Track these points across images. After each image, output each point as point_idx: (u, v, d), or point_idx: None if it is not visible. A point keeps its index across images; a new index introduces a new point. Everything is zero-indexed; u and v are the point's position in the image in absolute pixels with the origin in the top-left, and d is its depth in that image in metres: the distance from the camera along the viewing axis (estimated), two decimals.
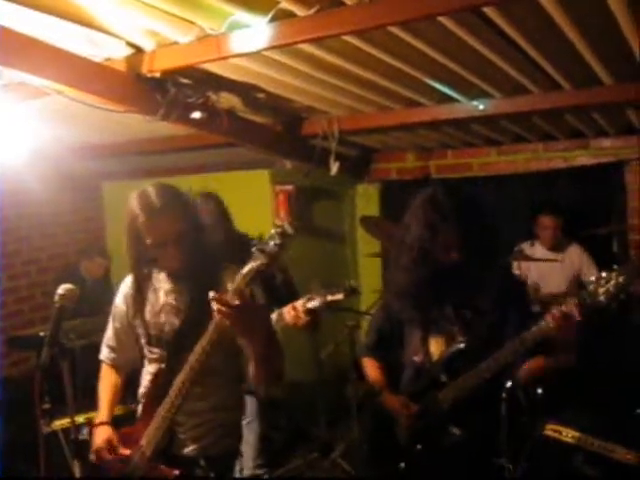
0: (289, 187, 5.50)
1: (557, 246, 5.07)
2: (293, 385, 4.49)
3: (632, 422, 3.77)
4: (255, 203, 5.33)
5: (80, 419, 3.97)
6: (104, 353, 2.71)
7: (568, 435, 3.58)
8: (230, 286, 2.00)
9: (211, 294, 1.98)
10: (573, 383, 4.25)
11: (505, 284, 2.60)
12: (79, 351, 4.45)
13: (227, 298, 1.97)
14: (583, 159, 5.32)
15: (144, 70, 3.12)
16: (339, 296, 3.73)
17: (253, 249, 1.97)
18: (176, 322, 2.39)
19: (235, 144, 4.63)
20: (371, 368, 2.88)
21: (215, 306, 1.97)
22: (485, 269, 2.50)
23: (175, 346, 2.35)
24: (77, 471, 2.61)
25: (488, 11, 2.58)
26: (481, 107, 4.04)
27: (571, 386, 4.22)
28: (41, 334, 4.15)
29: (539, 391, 3.99)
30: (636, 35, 2.80)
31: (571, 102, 3.84)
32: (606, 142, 5.22)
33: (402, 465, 2.66)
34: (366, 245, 6.07)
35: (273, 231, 1.95)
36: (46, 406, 2.98)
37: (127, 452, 2.40)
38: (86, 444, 3.98)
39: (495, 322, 2.49)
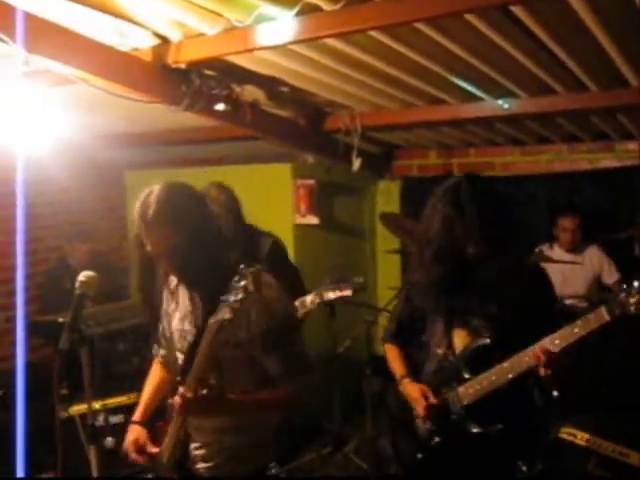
0: (310, 181, 5.50)
1: (576, 248, 5.05)
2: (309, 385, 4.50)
3: None
4: (276, 196, 5.34)
5: (97, 405, 4.01)
6: (155, 349, 2.65)
7: (583, 438, 3.57)
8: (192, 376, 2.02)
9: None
10: (590, 386, 4.24)
11: (532, 280, 2.59)
12: (98, 338, 4.48)
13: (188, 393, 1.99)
14: (607, 161, 5.27)
15: (170, 61, 3.14)
16: (347, 292, 3.76)
17: (220, 302, 1.96)
18: (195, 329, 2.29)
19: (258, 137, 4.64)
20: (392, 355, 2.87)
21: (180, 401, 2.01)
22: (510, 263, 2.50)
23: (189, 355, 2.25)
24: (92, 457, 2.63)
25: (515, 9, 2.57)
26: (506, 106, 4.02)
27: (587, 389, 4.20)
28: (60, 320, 4.22)
29: (555, 393, 3.97)
30: None
31: (597, 103, 3.81)
32: (631, 145, 5.16)
33: (419, 456, 2.65)
34: (385, 241, 6.06)
35: (235, 284, 1.93)
36: (64, 392, 3.02)
37: (154, 450, 2.37)
38: (102, 430, 4.04)
39: (522, 318, 2.48)
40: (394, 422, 2.92)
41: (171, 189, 2.17)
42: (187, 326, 2.35)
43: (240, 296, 1.91)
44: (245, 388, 2.23)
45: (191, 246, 2.12)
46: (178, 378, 2.26)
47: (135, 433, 2.48)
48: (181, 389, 2.01)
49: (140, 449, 2.41)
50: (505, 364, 2.46)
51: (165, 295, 2.50)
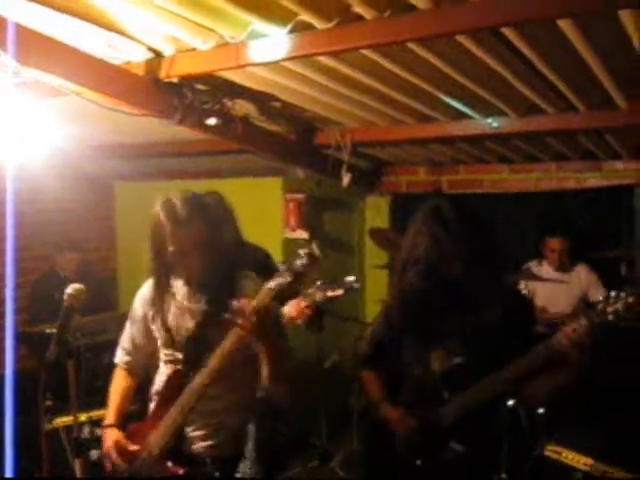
0: (300, 196, 5.51)
1: (564, 267, 5.07)
2: (295, 393, 4.50)
3: (633, 445, 3.76)
4: (266, 210, 5.35)
5: (82, 417, 3.99)
6: (119, 356, 2.76)
7: (568, 457, 3.58)
8: (254, 300, 2.06)
9: (233, 303, 2.07)
10: (576, 404, 4.25)
11: (511, 301, 2.60)
12: (84, 350, 4.46)
13: (248, 311, 2.04)
14: (595, 181, 5.33)
15: (162, 75, 3.15)
16: (339, 292, 3.77)
17: (281, 266, 2.04)
18: (191, 325, 2.44)
19: (248, 151, 4.66)
20: (370, 381, 2.87)
21: (235, 318, 2.06)
22: (490, 284, 2.51)
23: (191, 349, 2.41)
24: (78, 469, 2.63)
25: (506, 31, 2.60)
26: (495, 125, 4.06)
27: (574, 407, 4.22)
28: (47, 331, 4.21)
29: (540, 411, 3.99)
30: None
31: (585, 124, 3.85)
32: (619, 165, 5.22)
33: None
34: (373, 257, 6.08)
35: (301, 251, 2.02)
36: (48, 403, 3.02)
37: (135, 448, 2.45)
38: (87, 443, 4.02)
39: (499, 339, 2.49)
40: (373, 444, 2.92)
41: (190, 195, 2.42)
42: (184, 322, 2.47)
43: (305, 261, 2.00)
44: (242, 382, 2.40)
45: (217, 241, 2.37)
46: (179, 367, 2.43)
47: (113, 435, 2.54)
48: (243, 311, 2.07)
49: (121, 450, 2.47)
50: (485, 382, 2.48)
51: (143, 302, 2.62)
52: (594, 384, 4.32)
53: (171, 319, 2.50)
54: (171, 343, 2.50)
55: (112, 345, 4.82)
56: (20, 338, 4.76)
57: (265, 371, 2.28)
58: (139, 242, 5.94)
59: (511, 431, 2.72)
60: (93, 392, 4.61)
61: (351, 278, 3.87)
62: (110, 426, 2.59)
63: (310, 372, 4.68)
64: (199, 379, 2.28)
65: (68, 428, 3.94)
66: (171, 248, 2.33)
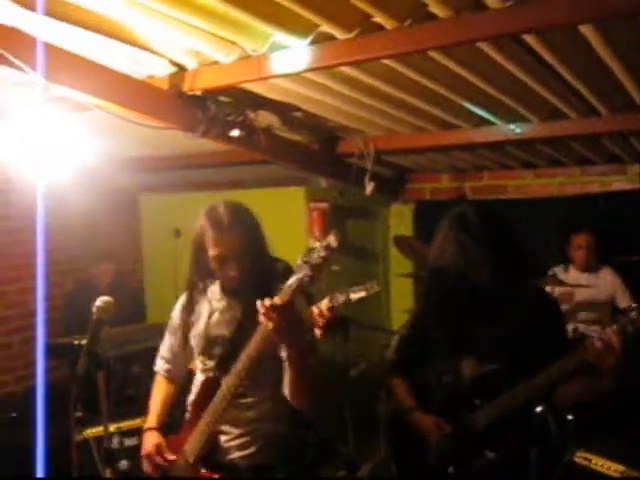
0: (324, 205, 5.53)
1: (590, 267, 5.03)
2: (323, 402, 4.51)
3: None
4: (290, 220, 5.37)
5: (111, 428, 4.03)
6: (159, 365, 2.80)
7: (598, 463, 3.54)
8: (276, 298, 2.09)
9: (258, 303, 2.08)
10: (606, 411, 4.21)
11: (540, 304, 2.59)
12: (113, 361, 4.51)
13: (271, 308, 2.06)
14: (619, 184, 5.29)
15: (186, 88, 3.19)
16: (362, 294, 3.77)
17: (299, 261, 2.05)
18: (227, 334, 2.48)
19: (272, 161, 4.69)
20: (399, 389, 2.87)
21: (261, 309, 2.07)
22: (518, 289, 2.51)
23: (225, 357, 2.44)
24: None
25: (527, 37, 2.61)
26: (517, 131, 4.05)
27: (604, 414, 4.18)
28: (75, 342, 4.26)
29: (569, 417, 3.96)
30: None
31: (608, 128, 3.84)
32: None
33: None
34: (398, 265, 6.08)
35: (317, 244, 2.02)
36: (79, 414, 3.05)
37: (173, 457, 2.49)
38: (117, 453, 4.06)
39: (530, 343, 2.48)
40: (403, 451, 2.92)
41: (233, 203, 2.51)
42: (219, 331, 2.51)
43: (322, 253, 2.01)
44: (268, 386, 2.42)
45: (252, 252, 2.42)
46: (216, 373, 2.45)
47: (154, 438, 2.59)
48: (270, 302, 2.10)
49: (160, 454, 2.52)
50: (517, 389, 2.47)
51: (181, 312, 2.66)
52: (625, 391, 4.28)
53: (207, 328, 2.54)
54: (207, 352, 2.53)
55: (140, 356, 4.91)
56: (50, 350, 4.82)
57: (288, 383, 2.30)
58: (165, 254, 6.03)
59: (540, 437, 2.71)
60: (122, 403, 4.66)
61: (373, 283, 3.88)
62: (151, 429, 2.64)
63: (337, 381, 4.68)
64: (228, 381, 2.31)
65: (98, 439, 3.98)
66: (212, 252, 2.39)
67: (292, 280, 2.06)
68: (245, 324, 2.38)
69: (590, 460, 3.57)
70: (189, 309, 2.62)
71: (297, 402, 2.35)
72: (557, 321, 2.66)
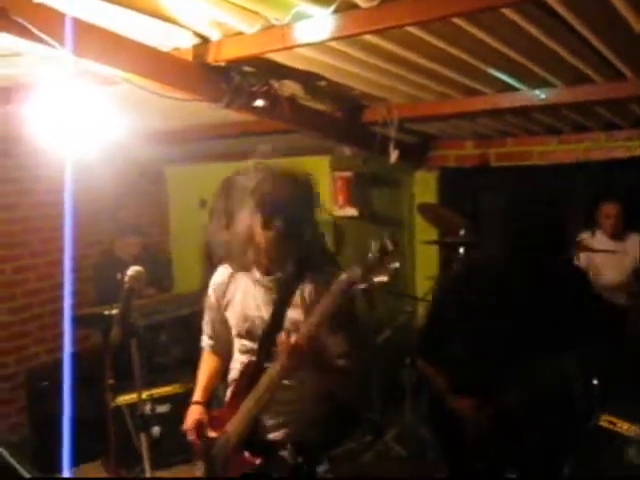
0: (348, 173, 5.54)
1: (618, 235, 5.01)
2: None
3: None
4: None
5: (143, 395, 4.13)
6: (204, 341, 2.77)
7: (623, 427, 3.57)
8: (327, 295, 2.12)
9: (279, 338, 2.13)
10: (630, 375, 4.22)
11: (570, 279, 2.62)
12: (142, 330, 4.59)
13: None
14: None
15: (210, 59, 3.20)
16: (384, 278, 3.78)
17: (354, 263, 2.09)
18: (266, 316, 2.42)
19: (296, 131, 4.70)
20: (430, 373, 2.90)
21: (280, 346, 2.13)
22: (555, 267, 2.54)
23: (265, 340, 2.40)
24: (143, 444, 2.72)
25: (550, 0, 2.58)
26: (542, 96, 4.01)
27: (627, 378, 4.19)
28: (105, 313, 4.34)
29: (595, 382, 3.98)
30: None
31: (635, 92, 3.78)
32: None
33: (478, 466, 2.70)
34: (423, 232, 6.08)
35: (374, 244, 2.05)
36: (111, 382, 3.13)
37: (214, 435, 2.49)
38: (149, 419, 4.16)
39: (562, 317, 2.51)
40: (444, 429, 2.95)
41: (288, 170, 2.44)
42: (259, 312, 2.45)
43: (377, 254, 2.04)
44: (310, 368, 2.38)
45: (310, 227, 2.38)
46: (254, 359, 2.43)
47: (197, 413, 2.57)
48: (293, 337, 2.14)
49: (201, 430, 2.51)
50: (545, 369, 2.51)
51: (216, 291, 2.61)
52: None
53: (244, 309, 2.49)
54: (244, 333, 2.49)
55: (169, 325, 4.99)
56: (80, 321, 4.92)
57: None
58: (191, 224, 6.08)
59: (566, 403, 2.74)
60: (152, 371, 4.75)
61: (396, 264, 3.90)
62: (197, 403, 2.62)
63: (363, 347, 4.73)
64: (274, 371, 2.28)
65: (131, 405, 4.08)
66: (265, 210, 2.28)
67: (343, 278, 2.11)
68: (284, 306, 2.36)
69: (615, 424, 3.59)
70: (224, 288, 2.56)
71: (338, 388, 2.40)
72: (587, 296, 2.68)
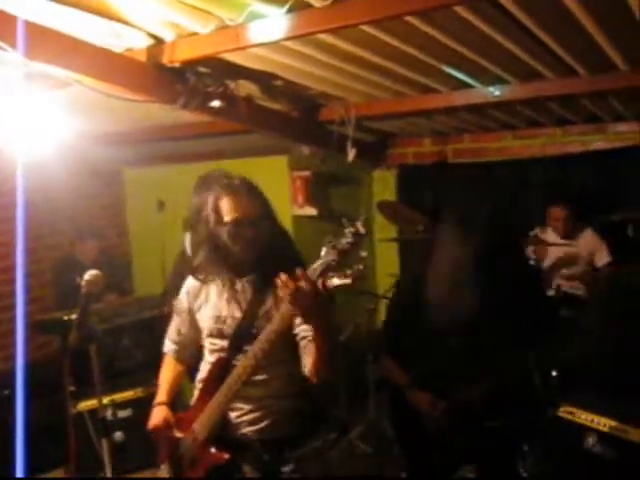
0: (306, 173, 5.55)
1: (569, 235, 5.08)
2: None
3: None
4: (273, 189, 5.31)
5: (105, 400, 4.08)
6: (167, 346, 2.77)
7: (581, 417, 3.63)
8: (300, 280, 2.08)
9: (279, 277, 2.08)
10: (589, 365, 4.30)
11: (519, 270, 2.66)
12: (102, 334, 4.54)
13: (294, 285, 2.06)
14: (600, 143, 5.32)
15: (164, 60, 3.17)
16: (347, 281, 3.77)
17: (325, 246, 2.06)
18: (238, 315, 2.45)
19: (253, 131, 4.69)
20: (392, 368, 2.93)
21: (283, 289, 2.08)
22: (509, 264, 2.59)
23: (236, 338, 2.41)
24: (105, 449, 2.70)
25: None
26: (497, 93, 4.06)
27: (586, 368, 4.27)
28: (65, 318, 4.29)
29: (554, 373, 4.04)
30: None
31: (586, 88, 3.85)
32: (623, 127, 5.21)
33: (435, 460, 2.72)
34: (382, 230, 6.11)
35: (346, 230, 2.03)
36: (72, 388, 3.09)
37: (180, 435, 2.49)
38: (111, 425, 4.12)
39: (511, 306, 2.55)
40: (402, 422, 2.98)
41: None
42: (231, 312, 2.46)
43: (349, 239, 2.02)
44: (280, 363, 2.41)
45: (268, 222, 2.41)
46: (223, 355, 2.43)
47: (163, 413, 2.57)
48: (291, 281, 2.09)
49: (168, 429, 2.51)
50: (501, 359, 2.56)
51: (189, 294, 2.62)
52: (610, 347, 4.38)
53: (217, 309, 2.51)
54: (217, 333, 2.50)
55: (129, 329, 4.94)
56: (39, 327, 4.85)
57: (310, 360, 2.29)
58: (150, 226, 6.03)
59: (526, 395, 2.79)
60: (113, 376, 4.70)
61: (360, 267, 3.91)
62: (160, 404, 2.63)
63: None
64: (244, 362, 2.29)
65: (92, 411, 4.04)
66: (227, 218, 2.34)
67: (317, 264, 2.07)
68: (255, 304, 2.38)
69: (574, 414, 3.65)
70: (196, 292, 2.58)
71: (316, 376, 2.33)
72: (537, 286, 2.74)
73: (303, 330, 2.30)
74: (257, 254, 2.39)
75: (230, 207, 2.35)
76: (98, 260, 5.52)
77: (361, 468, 4.59)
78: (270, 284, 2.18)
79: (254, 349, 2.26)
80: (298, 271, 2.08)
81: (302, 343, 2.32)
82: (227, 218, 2.35)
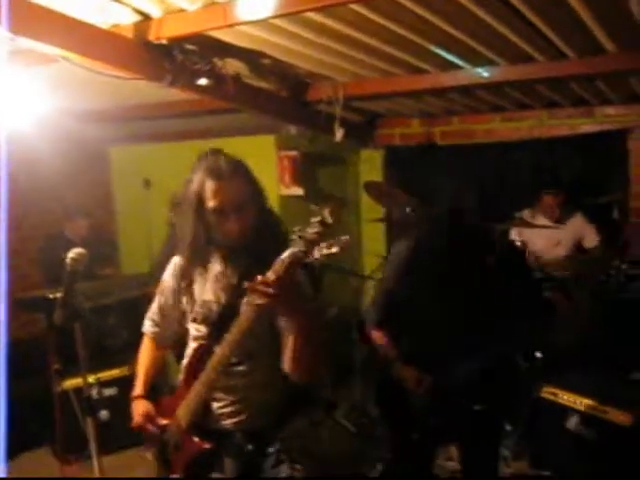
0: (294, 153, 5.53)
1: (560, 220, 5.10)
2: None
3: (626, 385, 3.86)
4: (260, 168, 5.27)
5: (90, 379, 4.08)
6: (147, 326, 2.70)
7: (564, 397, 3.68)
8: (269, 274, 2.03)
9: (246, 284, 2.03)
10: (572, 348, 4.35)
11: (504, 252, 2.67)
12: (89, 312, 4.54)
13: (264, 285, 2.00)
14: (587, 127, 5.34)
15: (151, 37, 3.14)
16: (335, 249, 3.76)
17: (293, 235, 2.01)
18: (222, 300, 2.40)
19: (241, 110, 4.66)
20: (380, 340, 2.93)
21: (253, 294, 2.03)
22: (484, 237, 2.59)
23: (218, 324, 2.36)
24: (90, 428, 2.69)
25: None
26: (485, 74, 4.06)
27: (570, 351, 4.31)
28: (50, 296, 4.28)
29: (538, 355, 4.08)
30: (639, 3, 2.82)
31: (575, 71, 3.86)
32: (610, 110, 5.23)
33: (415, 436, 2.74)
34: (369, 210, 6.12)
35: (313, 219, 1.99)
36: (57, 366, 3.08)
37: (165, 422, 2.45)
38: (96, 403, 4.12)
39: (497, 288, 2.56)
40: (386, 397, 2.99)
41: (228, 154, 2.36)
42: (215, 297, 2.41)
43: (317, 229, 1.98)
44: (263, 355, 2.36)
45: (256, 206, 2.32)
46: (209, 341, 2.37)
47: (143, 406, 2.52)
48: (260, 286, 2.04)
49: (151, 421, 2.47)
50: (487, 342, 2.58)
51: (175, 274, 2.56)
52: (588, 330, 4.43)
53: (203, 294, 2.45)
54: (200, 318, 2.45)
55: (115, 307, 4.94)
56: (24, 305, 4.84)
57: (289, 356, 2.25)
58: (137, 204, 6.00)
59: (510, 376, 2.81)
60: (99, 354, 4.71)
61: (345, 237, 3.92)
62: (139, 397, 2.56)
63: None
64: (219, 351, 2.25)
65: (77, 389, 4.04)
66: (212, 204, 2.25)
67: (285, 255, 2.01)
68: (240, 290, 2.27)
69: (557, 395, 3.70)
70: (182, 273, 2.50)
71: (293, 373, 2.29)
72: (522, 268, 2.75)
73: (283, 321, 2.25)
74: (242, 241, 2.32)
75: (214, 193, 2.26)
76: (88, 238, 5.51)
77: (346, 447, 4.62)
78: (256, 270, 2.14)
79: (229, 338, 2.21)
80: (268, 274, 2.03)
81: (284, 335, 2.27)
82: (210, 204, 2.27)
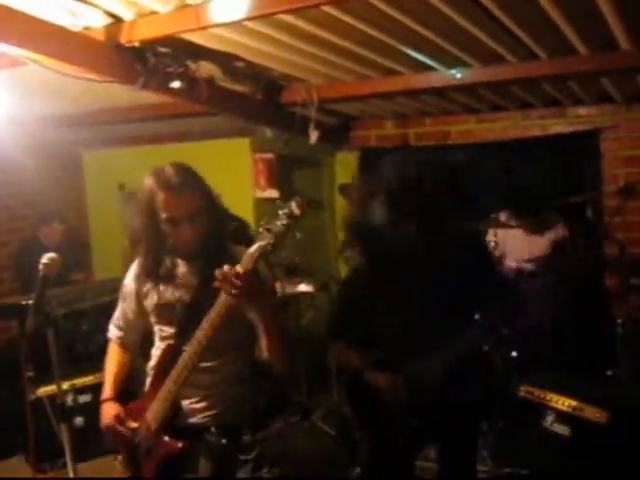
0: (269, 155, 5.53)
1: (536, 232, 5.07)
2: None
3: (602, 382, 3.90)
4: (235, 171, 5.36)
5: (65, 385, 4.03)
6: (112, 331, 2.73)
7: (540, 396, 3.70)
8: (238, 267, 2.04)
9: (216, 273, 2.04)
10: (547, 346, 4.38)
11: (473, 251, 2.68)
12: (62, 319, 4.49)
13: (231, 277, 2.02)
14: (559, 127, 5.37)
15: (123, 40, 3.11)
16: (310, 288, 3.72)
17: (260, 229, 2.02)
18: (185, 300, 2.43)
19: (215, 113, 4.64)
20: (345, 352, 2.91)
21: (220, 285, 2.04)
22: (454, 230, 2.60)
23: (184, 323, 2.38)
24: (65, 435, 2.66)
25: None
26: (458, 76, 4.07)
27: (545, 349, 4.35)
28: (22, 303, 4.22)
29: (513, 354, 4.11)
30: (609, 4, 2.84)
31: (547, 71, 3.88)
32: (582, 110, 5.27)
33: (400, 441, 2.73)
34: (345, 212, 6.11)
35: (280, 211, 2.00)
36: (30, 374, 3.04)
37: (135, 425, 2.45)
38: (71, 410, 4.07)
39: (464, 283, 2.57)
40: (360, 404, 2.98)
41: (181, 164, 2.41)
42: (178, 297, 2.45)
43: (284, 221, 1.99)
44: (231, 349, 2.41)
45: (208, 212, 2.36)
46: (177, 340, 2.40)
47: (113, 409, 2.53)
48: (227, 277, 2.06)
49: (121, 423, 2.47)
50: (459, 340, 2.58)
51: (135, 279, 2.58)
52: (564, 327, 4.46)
53: (165, 295, 2.47)
54: (165, 319, 2.48)
55: (89, 313, 4.89)
56: None
57: (263, 341, 2.27)
58: (110, 209, 5.96)
59: (486, 375, 2.81)
60: (73, 360, 4.66)
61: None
62: (108, 400, 2.57)
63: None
64: (190, 349, 2.26)
65: (51, 397, 3.99)
66: (164, 215, 2.31)
67: (254, 248, 2.03)
68: (203, 289, 2.33)
69: (533, 393, 3.72)
70: (143, 276, 2.53)
71: (276, 363, 2.31)
72: (485, 262, 2.77)
73: (252, 313, 2.27)
74: (197, 246, 2.36)
75: (165, 204, 2.31)
76: (62, 243, 5.46)
77: (323, 448, 4.62)
78: (216, 269, 2.15)
79: (198, 335, 2.23)
80: (233, 268, 2.05)
81: (257, 328, 2.30)
82: (163, 215, 2.31)
